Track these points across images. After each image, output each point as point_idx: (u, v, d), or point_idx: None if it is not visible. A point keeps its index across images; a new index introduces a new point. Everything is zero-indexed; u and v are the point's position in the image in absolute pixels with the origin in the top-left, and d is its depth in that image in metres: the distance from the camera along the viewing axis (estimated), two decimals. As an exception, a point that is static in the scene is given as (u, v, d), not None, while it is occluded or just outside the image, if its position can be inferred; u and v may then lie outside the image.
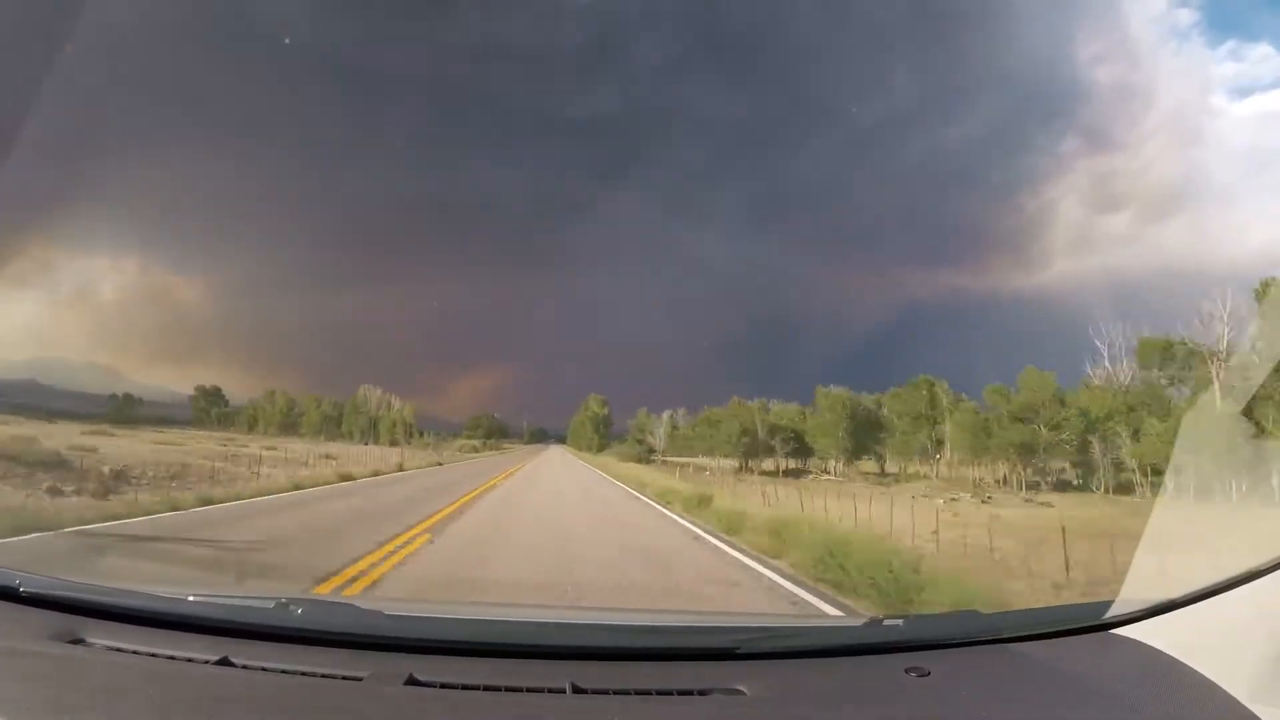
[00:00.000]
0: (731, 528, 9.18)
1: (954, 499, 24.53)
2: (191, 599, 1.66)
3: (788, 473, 33.05)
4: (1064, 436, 26.38)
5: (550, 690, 1.31)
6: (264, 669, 1.35)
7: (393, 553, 6.19)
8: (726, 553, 7.44)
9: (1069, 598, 6.92)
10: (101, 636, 1.47)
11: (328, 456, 23.10)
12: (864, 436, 32.83)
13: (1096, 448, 25.50)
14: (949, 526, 12.30)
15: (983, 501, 24.40)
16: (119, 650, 1.42)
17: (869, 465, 33.76)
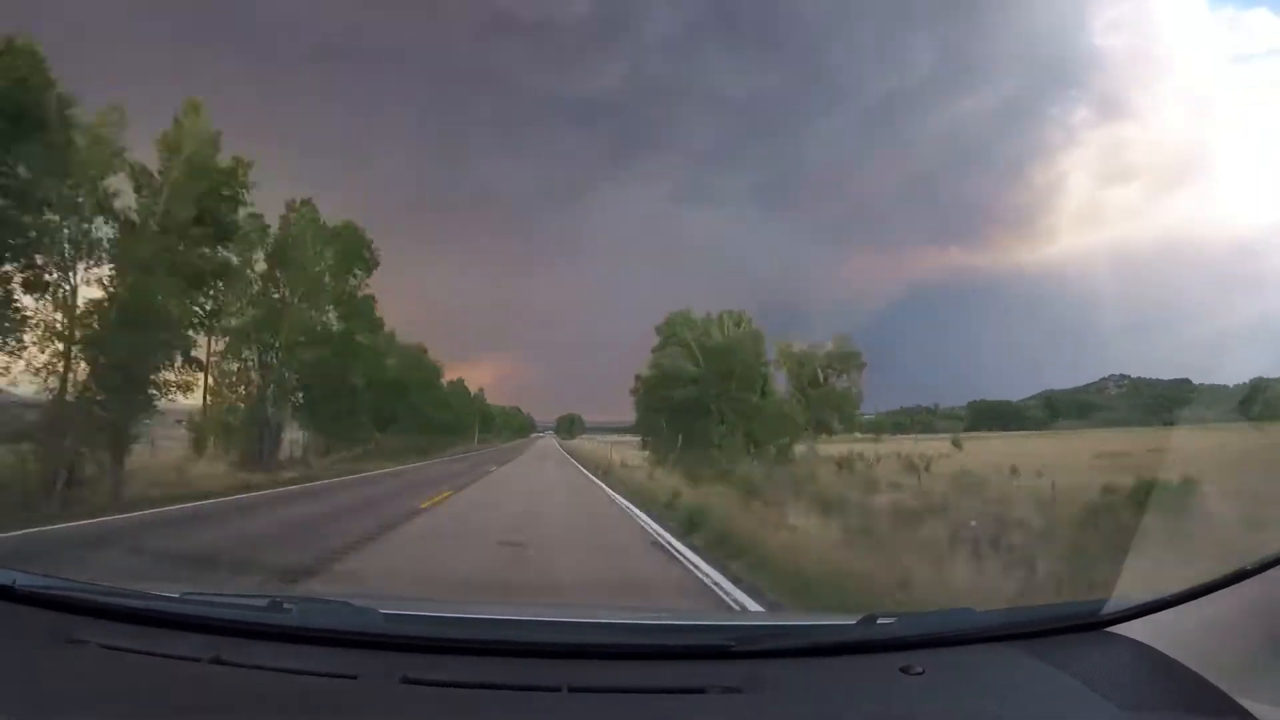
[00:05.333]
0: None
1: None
2: (185, 597, 1.67)
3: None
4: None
5: (546, 689, 1.31)
6: (258, 668, 1.36)
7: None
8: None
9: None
10: (96, 635, 1.47)
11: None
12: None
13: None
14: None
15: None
16: (114, 649, 1.42)
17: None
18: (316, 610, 1.63)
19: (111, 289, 11.79)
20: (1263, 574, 1.34)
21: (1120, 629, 1.51)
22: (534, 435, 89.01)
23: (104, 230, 11.81)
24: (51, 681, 1.32)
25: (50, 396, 11.14)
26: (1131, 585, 1.71)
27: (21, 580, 1.62)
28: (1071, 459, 22.18)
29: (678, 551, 7.48)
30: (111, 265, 11.79)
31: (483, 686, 1.32)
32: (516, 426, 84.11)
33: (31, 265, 11.00)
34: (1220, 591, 1.39)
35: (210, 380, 18.45)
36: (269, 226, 19.10)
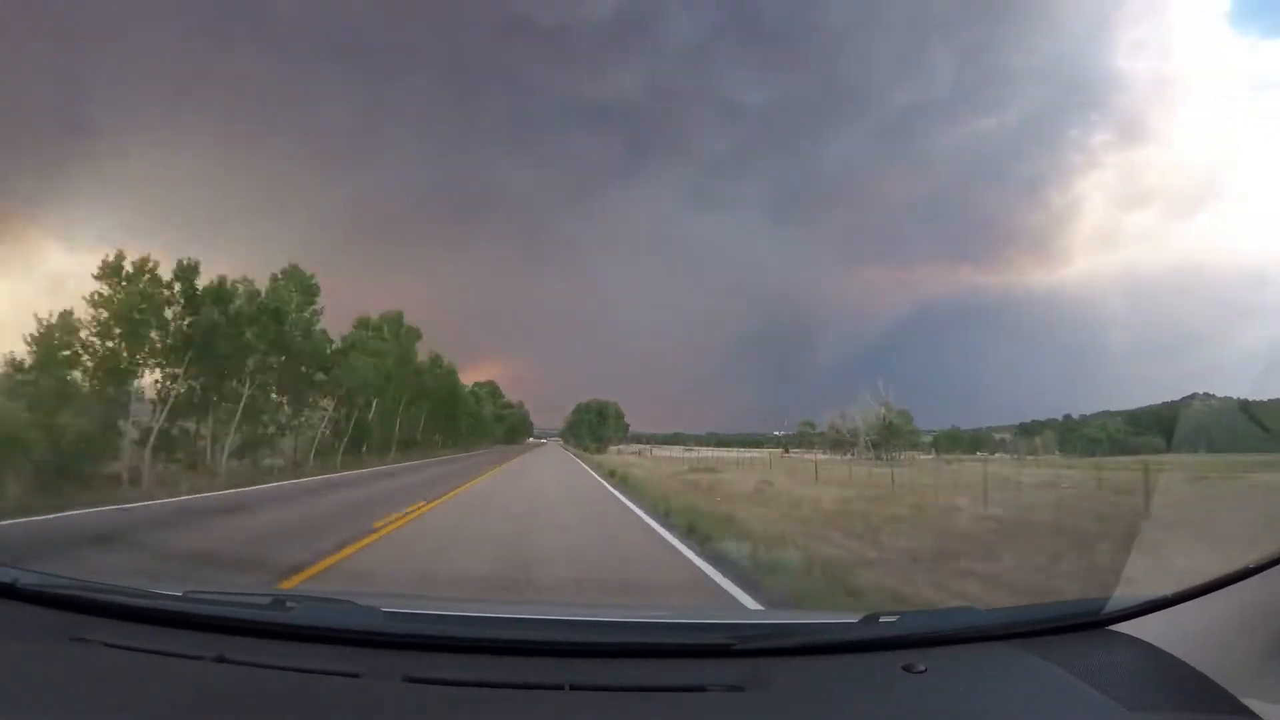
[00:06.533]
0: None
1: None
2: (189, 596, 1.67)
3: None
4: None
5: (548, 687, 1.31)
6: (261, 666, 1.36)
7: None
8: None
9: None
10: (99, 633, 1.47)
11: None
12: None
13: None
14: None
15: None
16: (116, 647, 1.43)
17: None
18: (319, 609, 1.64)
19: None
20: (1265, 572, 1.34)
21: (1122, 628, 1.51)
22: (530, 441, 70.00)
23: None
24: (55, 680, 1.32)
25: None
26: (1133, 584, 1.70)
27: (25, 579, 1.63)
28: None
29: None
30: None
31: (485, 685, 1.32)
32: (472, 418, 48.32)
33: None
34: (1223, 590, 1.39)
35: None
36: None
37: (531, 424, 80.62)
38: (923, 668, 1.37)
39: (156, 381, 17.54)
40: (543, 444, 71.17)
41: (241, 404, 19.33)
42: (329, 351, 24.90)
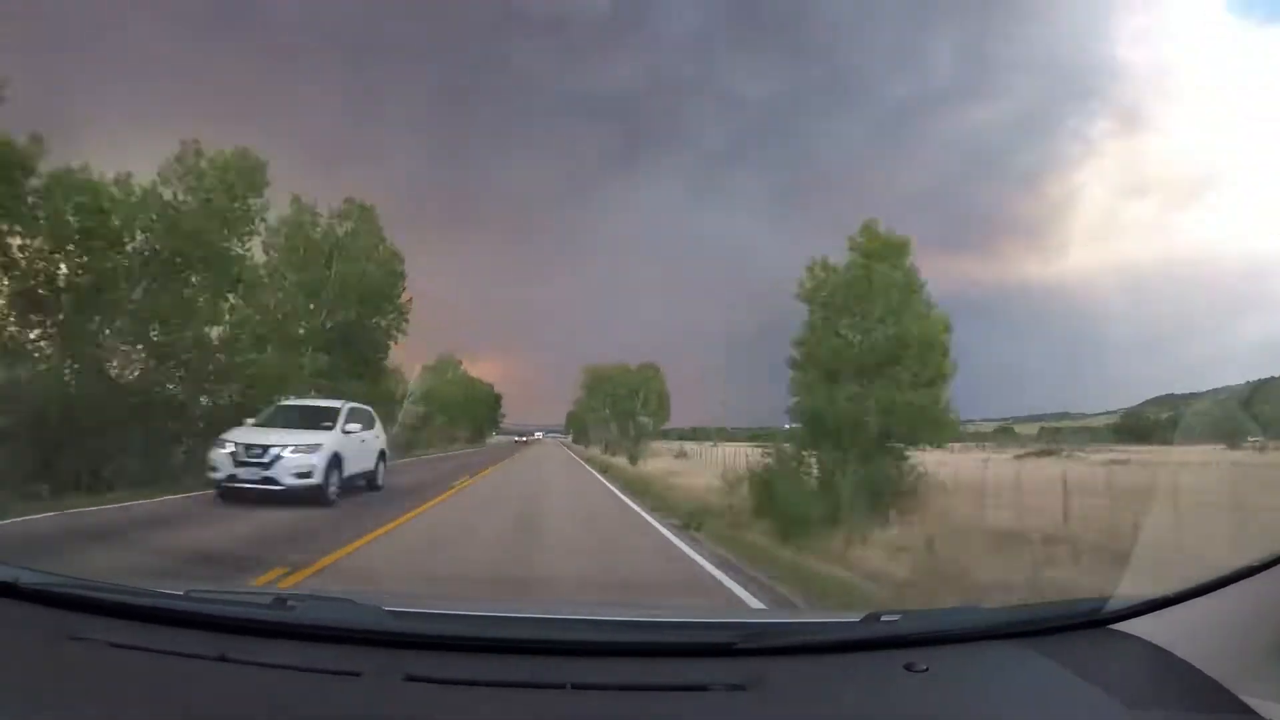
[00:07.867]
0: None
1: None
2: (190, 595, 1.67)
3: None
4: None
5: (549, 686, 1.31)
6: (262, 665, 1.36)
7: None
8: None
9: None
10: (101, 633, 1.47)
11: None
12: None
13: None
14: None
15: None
16: (117, 646, 1.43)
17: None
18: (321, 607, 1.63)
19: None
20: (1268, 571, 1.34)
21: (1124, 626, 1.51)
22: (492, 443, 55.47)
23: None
24: (55, 679, 1.32)
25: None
26: (1135, 583, 1.71)
27: (25, 577, 1.63)
28: None
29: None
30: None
31: (486, 684, 1.32)
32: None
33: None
34: (1225, 589, 1.39)
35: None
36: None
37: (499, 421, 59.57)
38: (924, 666, 1.37)
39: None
40: (538, 439, 62.74)
41: None
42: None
